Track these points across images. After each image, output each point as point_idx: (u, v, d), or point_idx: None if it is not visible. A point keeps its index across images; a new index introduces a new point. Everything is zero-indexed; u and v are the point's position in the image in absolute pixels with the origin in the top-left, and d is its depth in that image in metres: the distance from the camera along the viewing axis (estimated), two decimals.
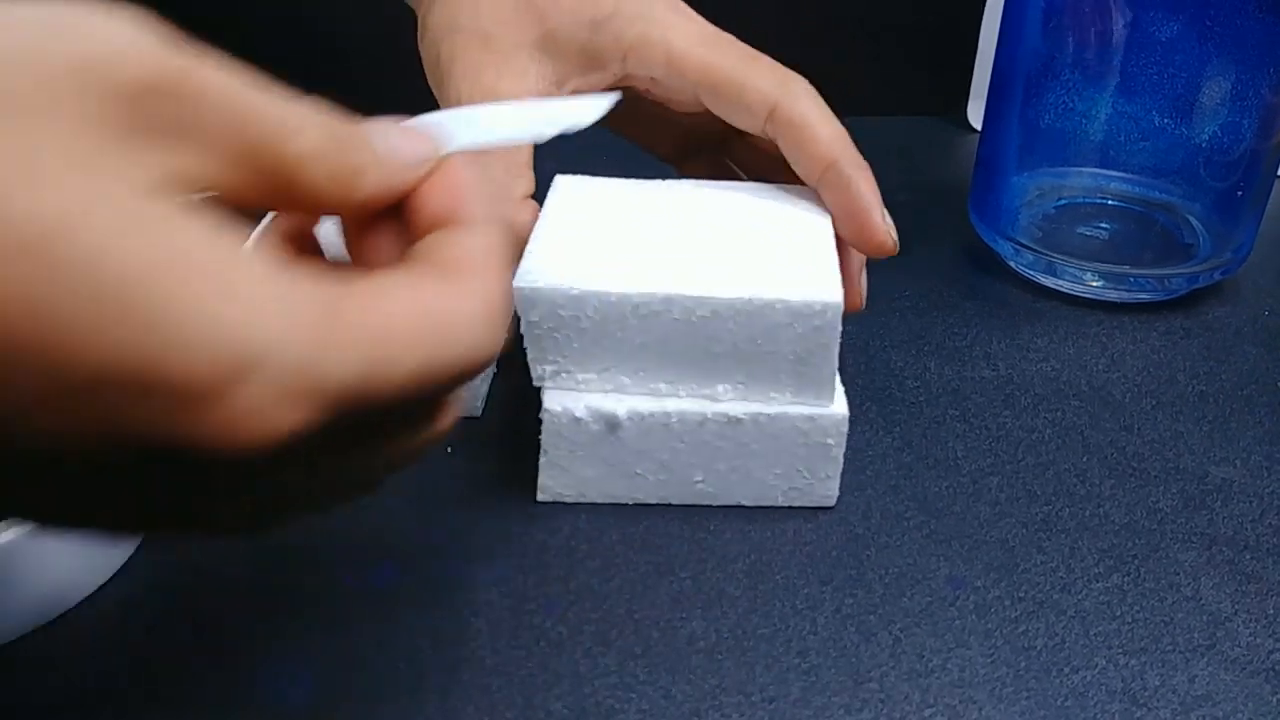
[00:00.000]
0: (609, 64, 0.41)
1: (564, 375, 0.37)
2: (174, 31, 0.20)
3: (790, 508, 0.39)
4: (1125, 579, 0.37)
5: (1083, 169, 0.55)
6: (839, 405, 0.37)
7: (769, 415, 0.37)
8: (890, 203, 0.40)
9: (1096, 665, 0.34)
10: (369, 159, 0.22)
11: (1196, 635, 0.35)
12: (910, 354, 0.49)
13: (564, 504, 0.39)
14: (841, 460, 0.38)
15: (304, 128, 0.21)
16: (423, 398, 0.22)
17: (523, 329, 0.36)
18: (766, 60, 0.40)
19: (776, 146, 0.40)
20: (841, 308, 0.35)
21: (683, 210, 0.40)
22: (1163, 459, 0.43)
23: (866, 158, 0.40)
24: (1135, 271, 0.52)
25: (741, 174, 0.46)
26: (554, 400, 0.37)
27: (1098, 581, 0.37)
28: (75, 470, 0.19)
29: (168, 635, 0.34)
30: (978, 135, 0.58)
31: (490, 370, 0.45)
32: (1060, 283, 0.53)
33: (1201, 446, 0.44)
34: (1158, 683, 0.34)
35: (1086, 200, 0.56)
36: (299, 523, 0.24)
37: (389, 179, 0.23)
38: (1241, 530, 0.40)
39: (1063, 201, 0.56)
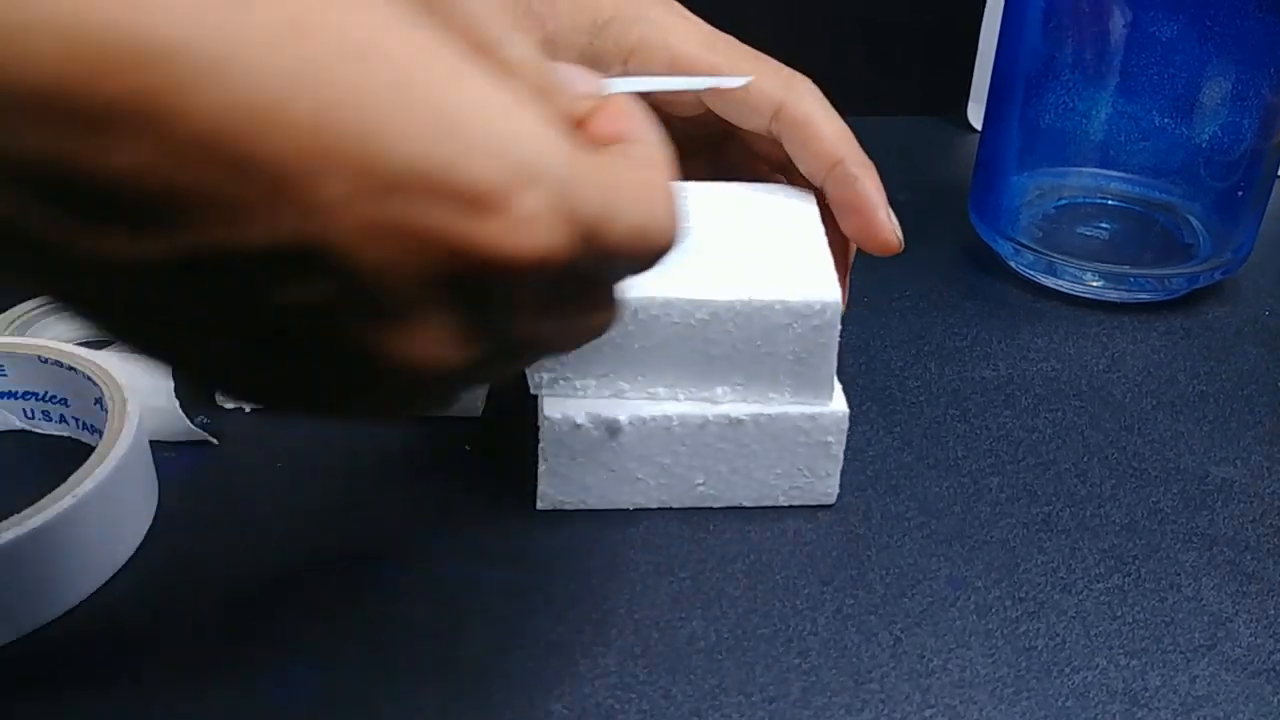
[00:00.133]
0: (610, 68, 0.40)
1: (561, 383, 0.37)
2: None
3: (790, 507, 0.39)
4: (1126, 579, 0.37)
5: (1083, 169, 0.55)
6: (839, 403, 0.37)
7: (770, 416, 0.37)
8: (890, 203, 0.40)
9: (1097, 666, 0.34)
10: (558, 83, 0.25)
11: (1197, 636, 0.35)
12: (910, 354, 0.49)
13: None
14: (842, 458, 0.38)
15: (517, 41, 0.23)
16: (616, 267, 0.24)
17: None
18: (770, 60, 0.40)
19: (776, 147, 0.40)
20: (841, 307, 0.35)
21: None
22: (1163, 459, 0.43)
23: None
24: (1135, 271, 0.52)
25: (740, 175, 0.46)
26: (553, 407, 0.37)
27: (1098, 582, 0.37)
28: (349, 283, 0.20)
29: (168, 635, 0.34)
30: (978, 135, 0.58)
31: None
32: (1060, 283, 0.53)
33: (1202, 446, 0.44)
34: (1158, 683, 0.34)
35: (1086, 200, 0.56)
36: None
37: (569, 105, 0.25)
38: (1242, 530, 0.40)
39: (1063, 201, 0.56)
